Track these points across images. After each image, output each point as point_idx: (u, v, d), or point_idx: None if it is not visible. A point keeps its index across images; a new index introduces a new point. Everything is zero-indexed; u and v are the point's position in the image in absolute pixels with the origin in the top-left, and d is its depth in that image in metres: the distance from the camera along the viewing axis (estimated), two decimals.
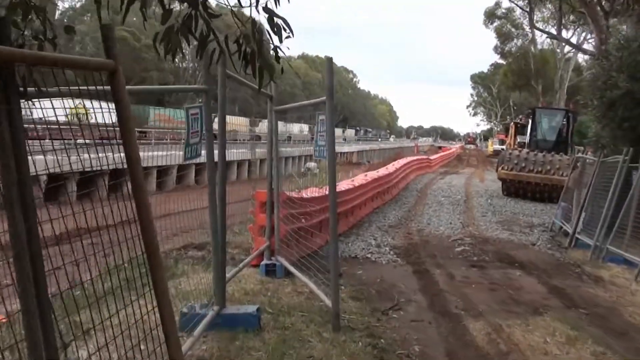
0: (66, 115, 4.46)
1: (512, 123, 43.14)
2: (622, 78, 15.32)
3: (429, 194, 25.21)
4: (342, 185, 14.81)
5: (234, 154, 50.40)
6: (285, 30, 3.45)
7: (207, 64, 5.05)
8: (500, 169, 25.43)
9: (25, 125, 2.85)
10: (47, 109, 3.16)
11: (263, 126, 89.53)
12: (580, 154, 18.11)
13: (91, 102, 4.05)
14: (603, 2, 21.28)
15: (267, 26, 3.50)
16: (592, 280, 10.66)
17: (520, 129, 40.98)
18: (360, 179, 17.86)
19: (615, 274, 11.04)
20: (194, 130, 5.66)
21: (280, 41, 3.50)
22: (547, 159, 24.24)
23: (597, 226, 13.02)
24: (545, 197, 24.24)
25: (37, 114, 3.20)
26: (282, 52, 3.62)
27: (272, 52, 3.65)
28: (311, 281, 7.99)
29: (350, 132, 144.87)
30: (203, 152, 5.82)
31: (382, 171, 21.91)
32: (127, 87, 3.53)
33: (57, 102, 3.25)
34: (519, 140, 38.40)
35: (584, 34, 57.92)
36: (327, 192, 12.69)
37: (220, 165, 6.19)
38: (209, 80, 6.08)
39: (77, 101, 4.51)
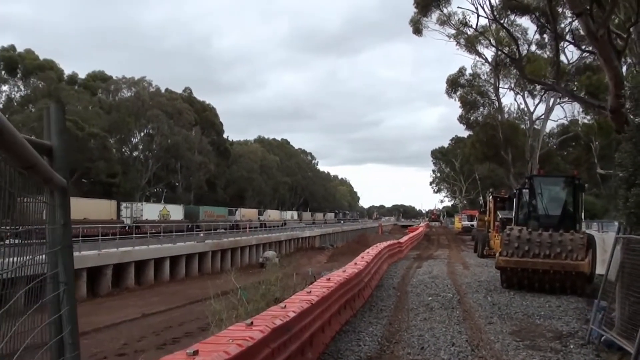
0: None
1: (491, 197, 38.54)
2: None
3: (409, 291, 19.94)
4: (294, 305, 9.68)
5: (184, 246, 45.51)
6: None
7: None
8: (498, 254, 20.43)
9: None
10: None
11: (267, 215, 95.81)
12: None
13: None
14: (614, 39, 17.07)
15: None
16: None
17: (500, 204, 36.57)
18: (321, 286, 12.61)
19: None
20: None
21: None
22: (556, 239, 19.23)
23: None
24: (556, 288, 19.27)
25: None
26: None
27: None
28: None
29: (330, 215, 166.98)
30: None
31: (350, 269, 16.64)
32: None
33: None
34: (500, 216, 33.84)
35: (552, 100, 55.17)
36: (267, 330, 7.54)
37: None
38: None
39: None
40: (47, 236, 3.32)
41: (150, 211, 68.49)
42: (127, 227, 55.33)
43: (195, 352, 5.52)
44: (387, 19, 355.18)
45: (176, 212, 74.77)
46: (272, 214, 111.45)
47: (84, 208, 52.75)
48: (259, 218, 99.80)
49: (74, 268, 3.45)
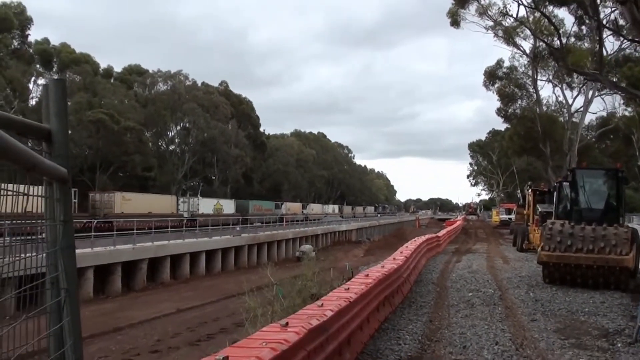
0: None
1: (530, 190, 37.80)
2: None
3: (449, 287, 19.54)
4: (332, 303, 9.39)
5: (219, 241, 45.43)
6: None
7: None
8: (540, 249, 19.86)
9: None
10: None
11: (310, 209, 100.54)
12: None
13: None
14: None
15: None
16: None
17: (539, 197, 35.86)
18: (359, 282, 12.33)
19: None
20: None
21: None
22: (599, 234, 18.59)
23: None
24: (599, 283, 18.70)
25: None
26: None
27: None
28: None
29: (370, 209, 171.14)
30: None
31: (389, 264, 16.31)
32: None
33: None
34: (540, 209, 33.16)
35: (591, 92, 54.19)
36: (303, 331, 7.24)
37: None
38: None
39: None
40: (46, 235, 3.00)
41: (206, 205, 74.01)
42: (185, 220, 60.15)
43: (225, 358, 5.20)
44: (423, 12, 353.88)
45: (228, 206, 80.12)
46: (314, 208, 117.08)
47: (148, 202, 60.35)
48: (302, 212, 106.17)
49: (76, 272, 3.07)
